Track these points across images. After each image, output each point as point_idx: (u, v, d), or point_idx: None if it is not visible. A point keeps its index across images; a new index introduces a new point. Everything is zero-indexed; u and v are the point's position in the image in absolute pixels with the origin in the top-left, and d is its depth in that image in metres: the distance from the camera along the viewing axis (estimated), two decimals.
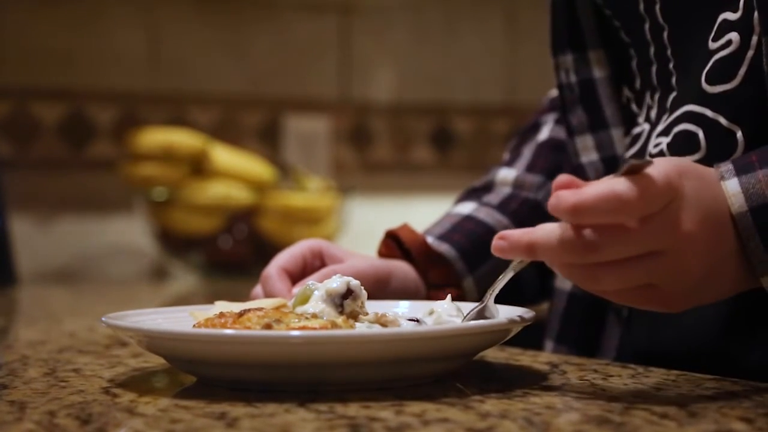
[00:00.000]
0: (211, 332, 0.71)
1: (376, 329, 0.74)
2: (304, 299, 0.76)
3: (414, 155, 2.36)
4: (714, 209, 0.70)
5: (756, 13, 0.80)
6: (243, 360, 0.69)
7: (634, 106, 0.94)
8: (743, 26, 0.81)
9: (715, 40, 0.82)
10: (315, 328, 0.71)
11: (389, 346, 0.69)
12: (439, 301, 0.81)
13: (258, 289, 0.92)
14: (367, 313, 0.77)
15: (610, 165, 0.94)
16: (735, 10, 0.81)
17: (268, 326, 0.72)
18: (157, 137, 1.96)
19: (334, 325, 0.73)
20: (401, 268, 0.97)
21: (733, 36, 0.81)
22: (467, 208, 1.05)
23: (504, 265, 0.75)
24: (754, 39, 0.80)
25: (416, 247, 0.98)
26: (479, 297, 0.84)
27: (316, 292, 0.76)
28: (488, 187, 1.08)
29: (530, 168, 1.07)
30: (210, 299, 0.87)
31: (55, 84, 2.04)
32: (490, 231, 1.01)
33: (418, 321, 0.79)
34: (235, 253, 1.97)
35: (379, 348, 0.69)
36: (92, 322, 1.21)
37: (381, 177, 2.32)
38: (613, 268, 0.67)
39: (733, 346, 0.86)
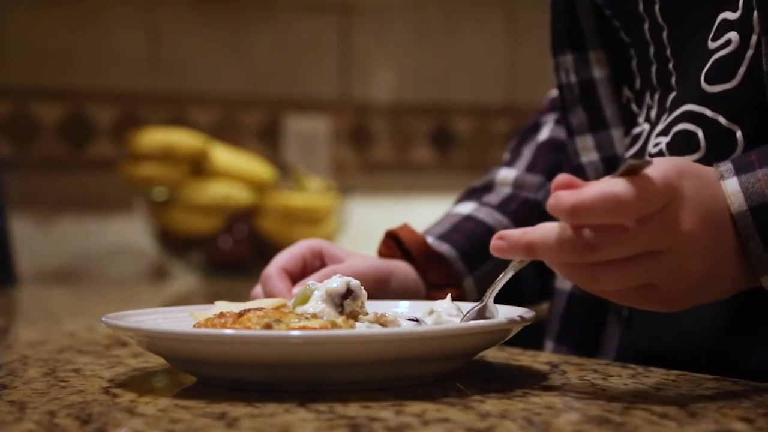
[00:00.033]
0: (211, 332, 0.71)
1: (376, 329, 0.74)
2: (304, 299, 0.76)
3: (414, 155, 2.36)
4: (713, 209, 0.70)
5: (755, 13, 0.80)
6: (243, 360, 0.69)
7: (634, 106, 0.94)
8: (743, 26, 0.81)
9: (714, 39, 0.82)
10: (315, 328, 0.71)
11: (389, 346, 0.69)
12: (438, 301, 0.81)
13: (258, 289, 0.92)
14: (367, 313, 0.77)
15: (610, 165, 0.94)
16: (734, 10, 0.81)
17: (268, 326, 0.72)
18: (157, 137, 1.96)
19: (334, 325, 0.73)
20: (401, 268, 0.97)
21: (733, 35, 0.81)
22: (467, 208, 1.05)
23: (504, 265, 0.75)
24: (754, 38, 0.80)
25: (416, 247, 0.98)
26: (479, 297, 0.84)
27: (316, 292, 0.76)
28: (488, 187, 1.08)
29: (530, 168, 1.07)
30: (210, 299, 0.88)
31: (55, 84, 2.04)
32: (490, 231, 1.01)
33: (417, 321, 0.79)
34: (235, 253, 1.98)
35: (379, 348, 0.69)
36: (92, 322, 1.21)
37: (381, 177, 2.32)
38: (612, 268, 0.67)
39: (733, 346, 0.86)
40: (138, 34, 2.09)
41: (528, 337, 0.89)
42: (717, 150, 0.81)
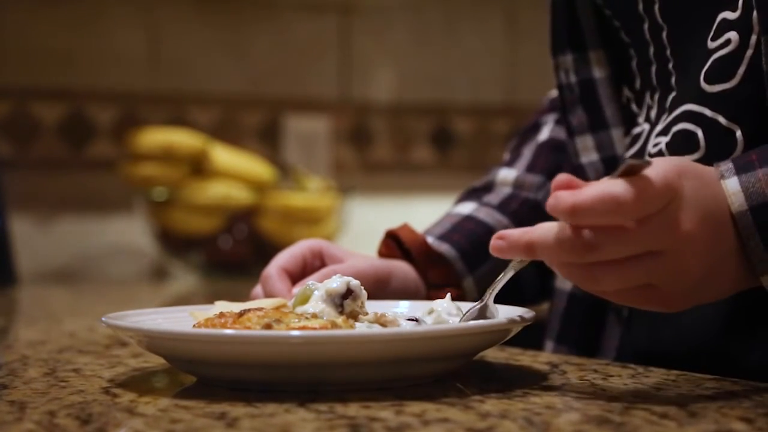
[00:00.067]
0: (211, 332, 0.71)
1: (376, 329, 0.74)
2: (304, 299, 0.76)
3: (414, 155, 2.36)
4: (713, 208, 0.70)
5: (755, 13, 0.80)
6: (243, 360, 0.69)
7: (634, 106, 0.94)
8: (742, 25, 0.81)
9: (714, 39, 0.82)
10: (315, 328, 0.71)
11: (389, 346, 0.69)
12: (438, 301, 0.81)
13: (258, 289, 0.92)
14: (367, 313, 0.77)
15: (610, 165, 0.94)
16: (734, 10, 0.81)
17: (268, 326, 0.72)
18: (157, 137, 1.96)
19: (334, 325, 0.73)
20: (401, 268, 0.97)
21: (732, 35, 0.81)
22: (467, 208, 1.05)
23: (504, 265, 0.75)
24: (753, 38, 0.80)
25: (416, 247, 0.98)
26: (479, 297, 0.84)
27: (316, 292, 0.76)
28: (488, 187, 1.08)
29: (530, 168, 1.07)
30: (210, 299, 0.88)
31: (55, 84, 2.04)
32: (490, 231, 1.00)
33: (417, 320, 0.79)
34: (235, 253, 1.98)
35: (379, 348, 0.69)
36: (92, 322, 1.21)
37: (381, 177, 2.32)
38: (612, 268, 0.67)
39: (732, 346, 0.86)
40: (138, 34, 2.09)
41: (528, 337, 0.89)
42: (717, 150, 0.81)
